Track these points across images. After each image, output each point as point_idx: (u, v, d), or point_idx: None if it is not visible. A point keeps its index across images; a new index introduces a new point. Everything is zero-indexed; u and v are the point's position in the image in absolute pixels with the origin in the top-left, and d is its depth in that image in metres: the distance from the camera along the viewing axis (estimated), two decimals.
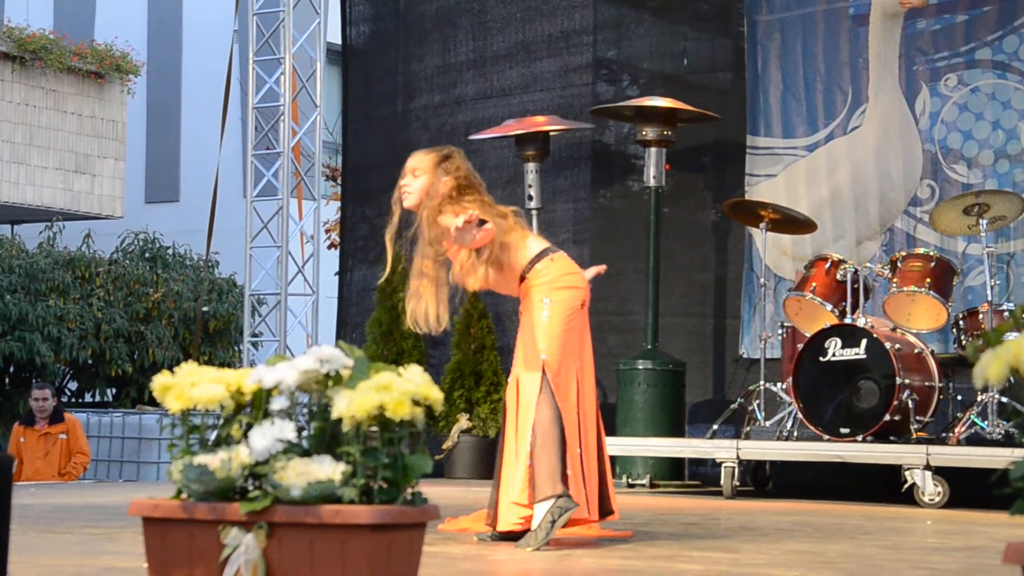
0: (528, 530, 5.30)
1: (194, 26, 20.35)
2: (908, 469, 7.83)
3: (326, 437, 3.14)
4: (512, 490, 5.35)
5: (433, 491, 3.51)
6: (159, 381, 3.22)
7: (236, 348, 16.04)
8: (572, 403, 5.43)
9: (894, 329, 8.51)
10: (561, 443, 5.33)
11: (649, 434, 9.35)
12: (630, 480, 9.53)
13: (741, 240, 10.31)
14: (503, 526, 5.42)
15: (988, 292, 8.30)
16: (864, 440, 8.16)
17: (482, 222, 5.41)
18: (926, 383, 8.32)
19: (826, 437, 8.28)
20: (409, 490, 3.14)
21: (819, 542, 5.78)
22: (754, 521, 6.84)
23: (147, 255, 16.73)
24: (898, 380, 8.12)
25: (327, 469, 3.05)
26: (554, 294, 5.45)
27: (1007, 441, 7.84)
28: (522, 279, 5.54)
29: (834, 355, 8.34)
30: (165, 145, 20.64)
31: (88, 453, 11.78)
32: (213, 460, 3.11)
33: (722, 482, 8.50)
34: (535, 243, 5.58)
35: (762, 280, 9.57)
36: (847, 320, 8.49)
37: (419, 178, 5.61)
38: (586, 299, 5.57)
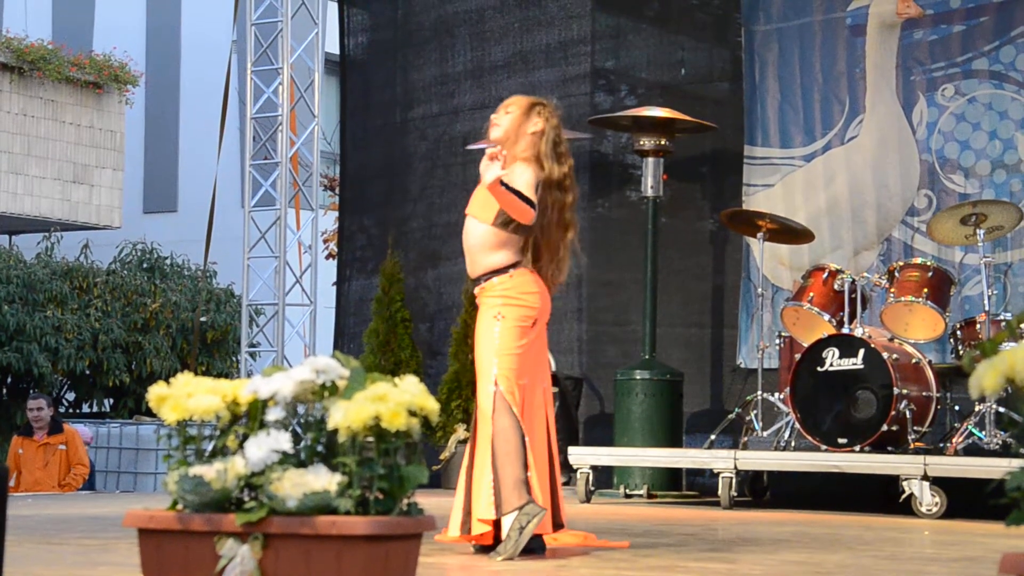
0: (499, 542, 5.30)
1: (192, 36, 20.38)
2: (906, 479, 7.82)
3: (322, 448, 3.14)
4: (479, 505, 5.33)
5: (430, 501, 3.50)
6: (155, 392, 3.22)
7: (234, 358, 16.04)
8: (532, 415, 5.41)
9: (892, 339, 8.51)
10: (522, 452, 5.31)
11: (647, 444, 9.34)
12: (627, 490, 9.52)
13: (739, 250, 10.31)
14: (453, 532, 5.42)
15: (985, 302, 8.30)
16: (862, 450, 8.15)
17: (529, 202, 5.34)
18: (923, 393, 8.31)
19: (824, 447, 8.27)
20: (405, 501, 3.14)
21: (816, 552, 5.77)
22: (752, 531, 6.84)
23: (145, 265, 16.73)
24: (896, 390, 8.11)
25: (323, 480, 3.05)
26: (506, 310, 5.40)
27: (1004, 451, 7.83)
28: (476, 283, 5.52)
29: (832, 365, 8.34)
30: (163, 155, 20.65)
31: (87, 464, 11.77)
32: (209, 471, 3.11)
33: (720, 492, 8.48)
34: (502, 255, 5.47)
35: (760, 290, 9.57)
36: (844, 330, 8.48)
37: (510, 114, 5.61)
38: (539, 318, 5.48)
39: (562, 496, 5.57)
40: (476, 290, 5.54)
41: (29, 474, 11.41)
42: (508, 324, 5.39)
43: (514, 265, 5.47)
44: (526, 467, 5.30)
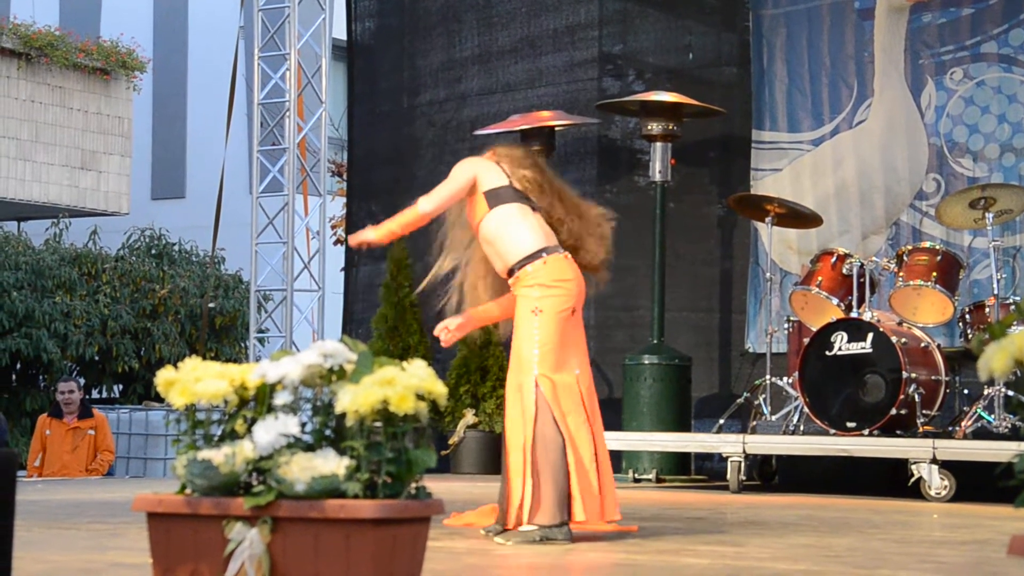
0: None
1: (200, 22, 20.36)
2: (914, 463, 7.82)
3: (330, 431, 3.14)
4: (514, 508, 5.30)
5: (439, 486, 3.50)
6: (163, 376, 3.22)
7: (242, 344, 16.04)
8: (576, 410, 5.37)
9: (900, 323, 8.50)
10: (563, 463, 5.28)
11: (655, 429, 9.34)
12: (636, 475, 9.52)
13: (747, 234, 10.30)
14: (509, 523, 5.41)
15: (994, 286, 8.28)
16: (870, 434, 8.15)
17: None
18: (932, 377, 8.30)
19: (832, 431, 8.27)
20: (413, 485, 3.14)
21: (825, 536, 5.77)
22: (760, 515, 6.84)
23: (153, 251, 16.75)
24: (904, 374, 8.11)
25: (331, 464, 3.05)
26: (544, 301, 5.32)
27: (1013, 434, 7.83)
28: (510, 273, 5.44)
29: (840, 349, 8.33)
30: (171, 141, 20.64)
31: (113, 451, 11.79)
32: (217, 455, 3.11)
33: (728, 476, 8.49)
34: (530, 239, 5.43)
35: (768, 274, 9.55)
36: (853, 314, 8.47)
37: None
38: (578, 304, 5.43)
39: (608, 490, 5.45)
40: (511, 281, 5.42)
41: (56, 457, 11.40)
42: (547, 317, 5.31)
43: (545, 250, 5.41)
44: (568, 477, 5.27)
